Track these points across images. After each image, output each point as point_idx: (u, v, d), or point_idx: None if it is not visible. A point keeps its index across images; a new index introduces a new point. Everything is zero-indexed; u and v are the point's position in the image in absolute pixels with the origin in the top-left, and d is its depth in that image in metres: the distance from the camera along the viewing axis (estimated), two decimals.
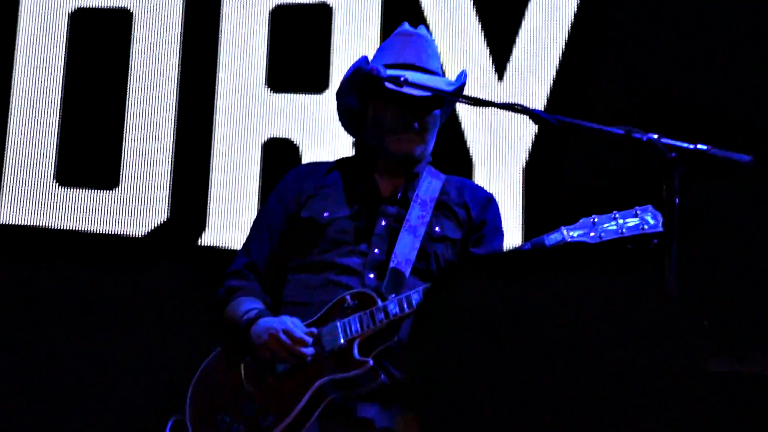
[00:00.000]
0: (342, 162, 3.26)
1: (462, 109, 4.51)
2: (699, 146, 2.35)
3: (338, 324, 2.90)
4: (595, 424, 1.33)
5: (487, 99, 2.87)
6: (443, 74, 3.21)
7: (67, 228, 4.71)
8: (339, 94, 3.18)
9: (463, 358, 1.40)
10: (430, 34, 3.28)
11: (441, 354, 1.42)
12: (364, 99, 3.14)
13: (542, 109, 4.48)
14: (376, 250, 3.01)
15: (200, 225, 4.70)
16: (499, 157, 4.53)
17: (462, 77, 3.12)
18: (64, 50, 4.84)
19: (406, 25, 3.23)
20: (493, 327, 1.45)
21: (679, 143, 2.35)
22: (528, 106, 2.77)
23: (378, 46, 3.37)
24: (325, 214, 3.06)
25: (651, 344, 1.50)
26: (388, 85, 2.92)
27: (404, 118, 3.03)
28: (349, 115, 3.22)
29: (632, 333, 1.50)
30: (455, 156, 4.48)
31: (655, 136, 2.38)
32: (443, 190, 3.14)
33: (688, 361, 1.43)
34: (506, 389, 1.35)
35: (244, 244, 3.23)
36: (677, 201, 2.28)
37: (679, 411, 1.42)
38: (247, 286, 3.12)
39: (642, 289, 1.58)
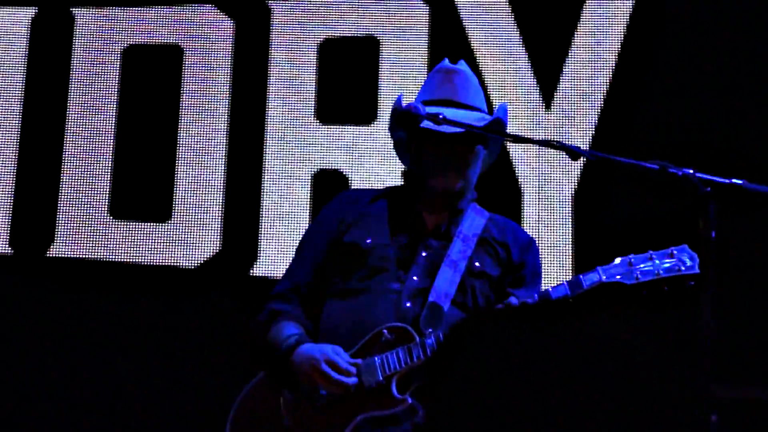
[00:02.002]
0: (388, 191, 3.27)
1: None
2: (734, 181, 2.35)
3: (377, 360, 2.90)
4: None
5: (525, 135, 2.88)
6: (486, 108, 3.22)
7: (121, 261, 4.78)
8: (390, 129, 3.23)
9: (483, 401, 1.41)
10: (470, 68, 3.29)
11: (460, 395, 1.42)
12: (408, 135, 3.18)
13: (590, 138, 4.48)
14: (414, 278, 3.01)
15: (252, 256, 4.74)
16: (548, 186, 4.52)
17: (500, 111, 3.13)
18: (117, 86, 4.93)
19: (446, 62, 3.24)
20: (517, 373, 1.45)
21: (714, 177, 2.35)
22: (567, 140, 2.77)
23: (425, 77, 3.39)
24: (368, 241, 3.07)
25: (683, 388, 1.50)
26: (424, 124, 2.93)
27: (442, 155, 3.04)
28: (401, 148, 3.26)
29: (666, 376, 1.49)
30: (504, 185, 4.49)
31: (691, 171, 2.38)
32: (486, 227, 3.14)
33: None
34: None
35: (288, 268, 3.25)
36: (713, 235, 2.27)
37: None
38: (288, 311, 3.12)
39: (677, 332, 1.57)
